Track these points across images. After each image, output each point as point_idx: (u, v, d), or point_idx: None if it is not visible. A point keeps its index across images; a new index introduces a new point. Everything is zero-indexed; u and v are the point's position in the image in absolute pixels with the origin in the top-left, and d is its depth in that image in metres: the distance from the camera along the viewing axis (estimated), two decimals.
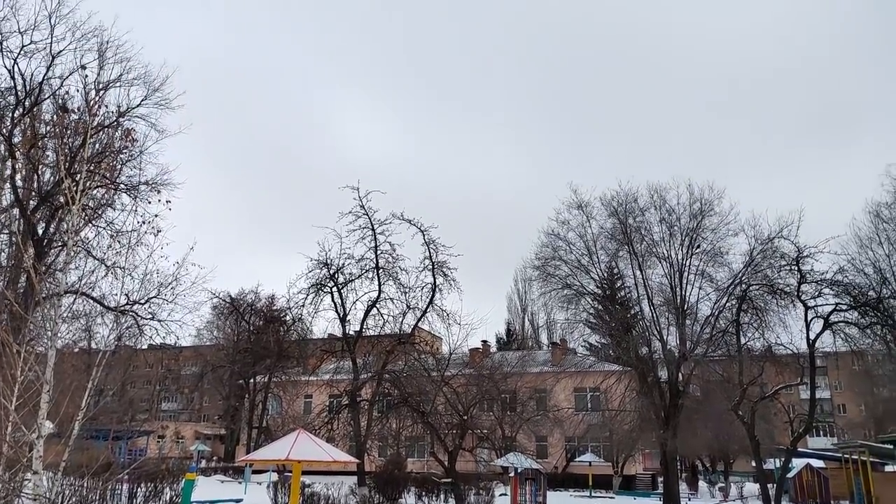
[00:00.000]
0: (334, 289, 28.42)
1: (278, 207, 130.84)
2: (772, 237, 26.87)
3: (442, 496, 26.55)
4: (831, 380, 73.97)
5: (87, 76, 24.06)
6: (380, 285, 28.18)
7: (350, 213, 27.25)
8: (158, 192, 24.79)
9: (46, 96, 25.20)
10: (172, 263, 24.44)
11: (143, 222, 17.88)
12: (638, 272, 28.86)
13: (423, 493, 26.15)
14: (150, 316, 25.02)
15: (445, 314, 27.97)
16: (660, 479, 40.03)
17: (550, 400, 47.28)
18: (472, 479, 28.07)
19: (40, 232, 24.83)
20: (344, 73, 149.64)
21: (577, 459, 45.39)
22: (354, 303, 28.74)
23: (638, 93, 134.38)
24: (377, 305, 28.36)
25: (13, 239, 23.98)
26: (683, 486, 42.12)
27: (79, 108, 24.87)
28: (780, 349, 27.07)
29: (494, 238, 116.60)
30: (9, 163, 24.52)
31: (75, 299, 17.95)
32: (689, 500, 38.79)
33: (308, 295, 28.23)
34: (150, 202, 23.95)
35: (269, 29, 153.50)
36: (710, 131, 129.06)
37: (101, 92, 24.89)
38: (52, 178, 25.55)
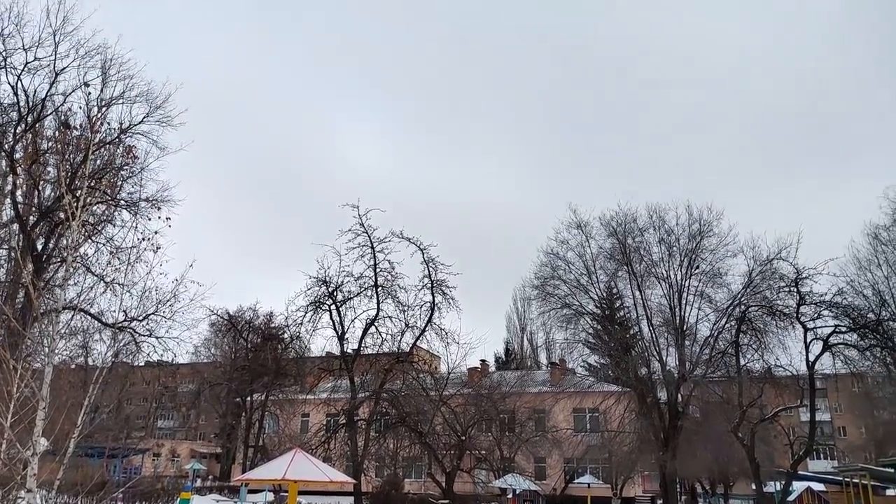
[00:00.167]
0: (333, 307, 28.43)
1: (278, 225, 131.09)
2: (771, 258, 26.97)
3: None
4: (831, 402, 73.50)
5: (89, 93, 24.23)
6: (378, 303, 28.22)
7: (350, 230, 27.40)
8: (158, 208, 24.87)
9: (49, 112, 25.33)
10: (171, 280, 24.45)
11: (143, 239, 17.86)
12: (637, 292, 28.91)
13: None
14: (147, 333, 24.95)
15: (444, 333, 28.01)
16: (659, 502, 39.66)
17: (549, 420, 46.97)
18: (469, 501, 27.88)
19: (39, 247, 24.81)
20: (346, 92, 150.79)
21: (576, 481, 44.95)
22: (353, 321, 28.77)
23: (638, 113, 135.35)
24: (376, 323, 28.36)
25: (12, 254, 23.98)
26: None
27: (81, 125, 25.00)
28: (779, 371, 27.05)
29: (493, 257, 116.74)
30: (10, 178, 24.58)
31: (73, 315, 17.89)
32: None
33: (306, 313, 28.28)
34: (150, 219, 24.04)
35: (270, 46, 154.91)
36: (709, 153, 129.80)
37: (104, 109, 25.05)
38: (52, 193, 25.62)
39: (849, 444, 70.59)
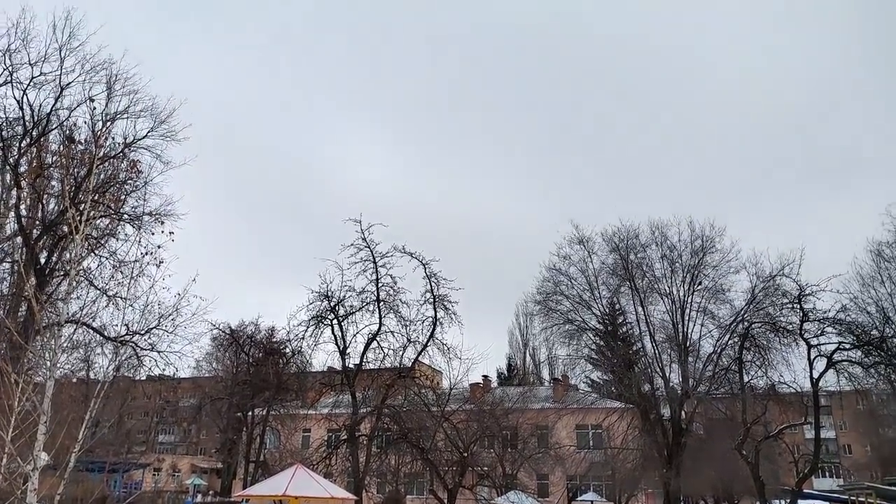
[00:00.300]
0: (335, 321, 28.36)
1: (281, 239, 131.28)
2: (773, 275, 26.92)
3: None
4: (836, 419, 72.98)
5: (94, 108, 24.34)
6: (380, 318, 28.12)
7: (352, 245, 27.38)
8: (162, 222, 24.93)
9: (54, 127, 25.43)
10: (174, 294, 24.38)
11: (146, 253, 17.94)
12: (640, 308, 28.89)
13: None
14: (149, 347, 24.86)
15: (446, 348, 27.89)
16: None
17: (552, 437, 46.67)
18: None
19: (42, 261, 24.85)
20: (350, 108, 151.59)
21: (579, 498, 44.49)
22: (355, 335, 28.66)
23: (639, 129, 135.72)
24: (377, 338, 28.27)
25: (15, 267, 24.00)
26: None
27: (85, 139, 25.12)
28: (783, 387, 26.91)
29: (495, 272, 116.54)
30: (14, 192, 24.67)
31: (76, 329, 17.88)
32: None
33: (308, 327, 28.19)
34: (153, 233, 24.04)
35: (276, 62, 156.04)
36: (711, 168, 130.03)
37: (108, 123, 25.14)
38: (56, 207, 25.68)
39: (854, 462, 70.02)
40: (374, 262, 27.48)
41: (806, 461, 30.02)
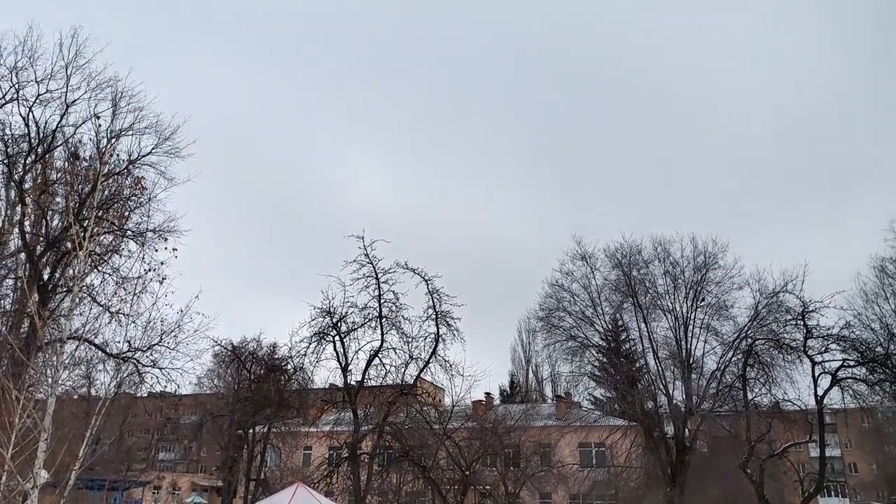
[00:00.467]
0: (336, 338, 28.23)
1: (283, 255, 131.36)
2: (777, 291, 26.82)
3: None
4: (841, 437, 72.33)
5: (99, 125, 24.52)
6: (382, 335, 27.98)
7: (354, 261, 27.29)
8: (165, 239, 24.96)
9: (59, 143, 25.56)
10: (176, 311, 24.36)
11: (149, 269, 17.97)
12: (643, 325, 28.79)
13: None
14: (151, 363, 24.80)
15: (448, 365, 27.70)
16: None
17: (555, 455, 46.28)
18: None
19: (46, 277, 24.88)
20: (350, 124, 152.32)
21: None
22: (356, 352, 28.50)
23: (642, 145, 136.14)
24: (379, 355, 28.10)
25: (18, 284, 24.02)
26: None
27: (90, 156, 25.26)
28: (787, 405, 26.70)
29: (497, 288, 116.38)
30: (18, 208, 24.76)
31: (78, 346, 17.86)
32: None
33: (310, 344, 28.05)
34: (156, 249, 24.11)
35: (274, 77, 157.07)
36: (713, 184, 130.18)
37: (113, 140, 25.28)
38: (59, 223, 25.75)
39: (860, 481, 69.30)
40: (377, 278, 27.42)
41: (811, 480, 29.71)
